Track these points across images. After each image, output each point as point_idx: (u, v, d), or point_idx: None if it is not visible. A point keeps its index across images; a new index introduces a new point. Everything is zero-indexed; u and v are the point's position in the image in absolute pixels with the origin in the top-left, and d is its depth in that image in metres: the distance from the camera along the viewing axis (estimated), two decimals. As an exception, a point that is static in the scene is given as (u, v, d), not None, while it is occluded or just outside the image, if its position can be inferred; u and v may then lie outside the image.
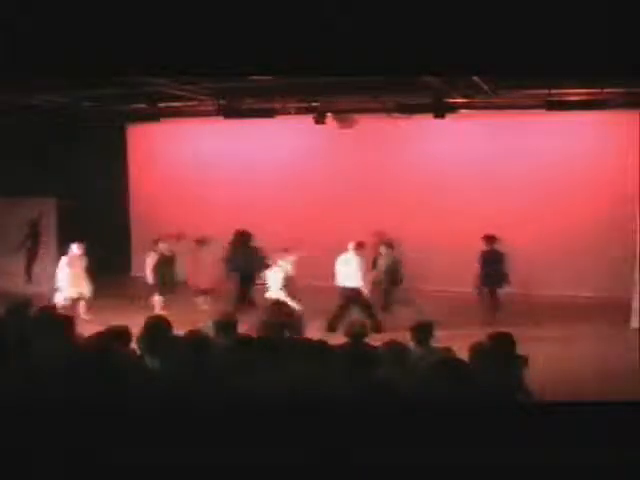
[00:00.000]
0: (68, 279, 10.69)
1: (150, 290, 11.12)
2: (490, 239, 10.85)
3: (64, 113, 12.66)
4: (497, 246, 10.79)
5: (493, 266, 10.72)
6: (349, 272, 9.97)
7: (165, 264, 11.16)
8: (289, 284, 9.11)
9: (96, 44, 3.55)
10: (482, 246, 10.84)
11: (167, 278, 11.17)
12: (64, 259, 10.80)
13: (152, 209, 14.63)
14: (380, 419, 3.23)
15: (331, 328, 9.61)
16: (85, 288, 10.83)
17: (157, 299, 11.03)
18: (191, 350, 4.66)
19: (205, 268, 11.39)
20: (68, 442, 3.11)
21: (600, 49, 3.45)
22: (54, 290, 10.74)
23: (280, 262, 9.23)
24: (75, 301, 10.73)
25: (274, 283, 9.12)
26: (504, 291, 10.82)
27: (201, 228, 11.87)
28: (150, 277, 11.12)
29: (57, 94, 11.35)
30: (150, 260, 11.14)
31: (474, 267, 10.80)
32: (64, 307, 10.13)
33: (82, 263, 10.90)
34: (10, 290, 11.26)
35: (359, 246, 10.13)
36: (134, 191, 15.23)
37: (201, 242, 11.50)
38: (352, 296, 9.97)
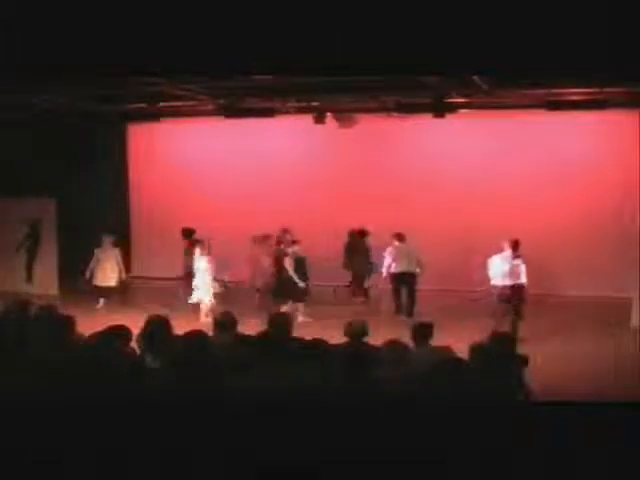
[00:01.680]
0: (205, 281, 10.46)
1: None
2: (399, 237, 10.90)
3: (64, 113, 12.65)
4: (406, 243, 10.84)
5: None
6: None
7: (300, 266, 10.82)
8: None
9: (96, 45, 3.56)
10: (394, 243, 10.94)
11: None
12: (204, 260, 10.51)
13: (152, 209, 14.61)
14: (379, 419, 3.23)
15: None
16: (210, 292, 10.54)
17: (300, 306, 10.69)
18: (191, 349, 4.66)
19: (261, 267, 11.26)
20: (67, 442, 3.11)
21: (600, 49, 3.45)
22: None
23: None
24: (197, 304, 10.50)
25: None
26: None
27: (201, 228, 11.84)
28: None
29: (57, 94, 11.34)
30: (289, 264, 10.78)
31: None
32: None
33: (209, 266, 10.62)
34: (10, 290, 11.24)
35: (515, 247, 9.59)
36: (134, 191, 15.19)
37: (259, 241, 11.30)
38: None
